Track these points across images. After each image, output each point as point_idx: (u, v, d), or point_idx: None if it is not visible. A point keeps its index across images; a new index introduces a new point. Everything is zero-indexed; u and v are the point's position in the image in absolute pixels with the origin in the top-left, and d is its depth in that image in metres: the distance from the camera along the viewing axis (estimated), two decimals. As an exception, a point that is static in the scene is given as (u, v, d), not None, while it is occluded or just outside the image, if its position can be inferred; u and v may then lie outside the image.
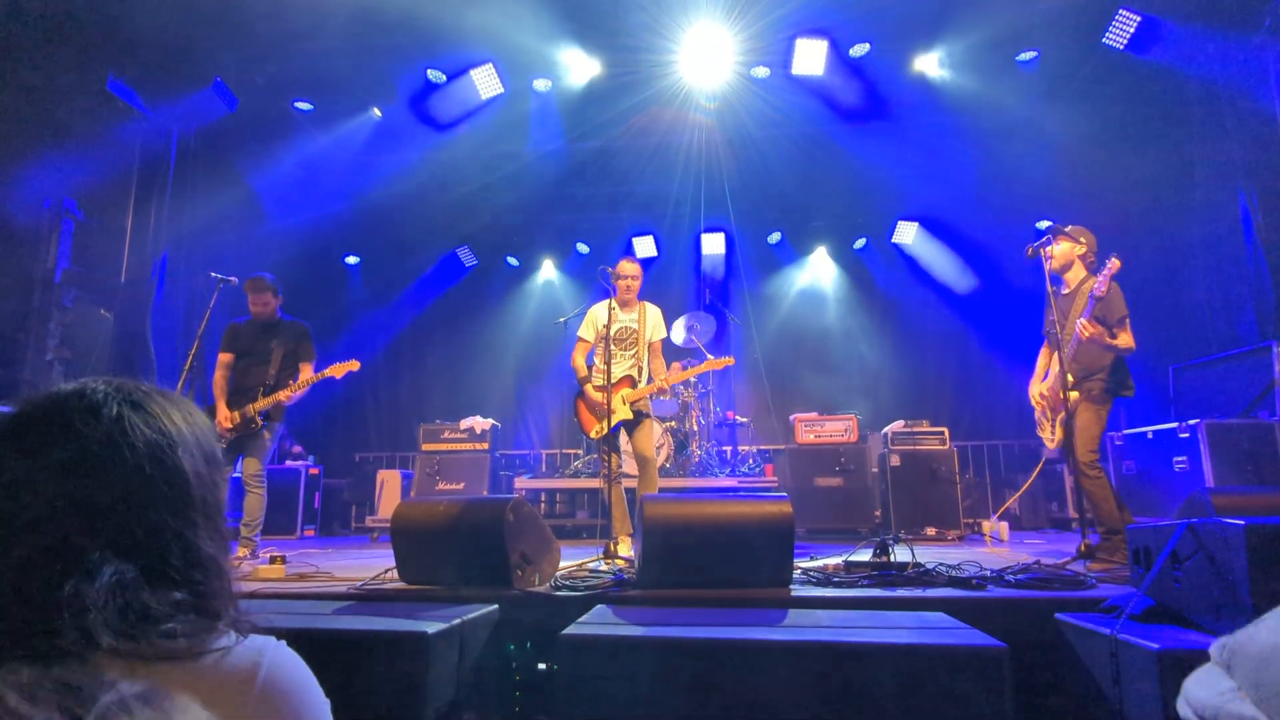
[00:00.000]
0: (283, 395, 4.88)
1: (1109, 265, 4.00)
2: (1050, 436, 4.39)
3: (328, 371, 5.05)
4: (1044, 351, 4.57)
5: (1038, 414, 4.48)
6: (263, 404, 4.87)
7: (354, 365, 5.15)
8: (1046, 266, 4.36)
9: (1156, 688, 2.01)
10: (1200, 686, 0.47)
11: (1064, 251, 4.41)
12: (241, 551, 4.69)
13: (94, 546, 0.71)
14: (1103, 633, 2.29)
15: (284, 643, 0.81)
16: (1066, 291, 4.40)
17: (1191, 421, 5.78)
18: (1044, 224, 8.51)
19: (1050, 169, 8.21)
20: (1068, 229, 4.42)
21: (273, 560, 4.00)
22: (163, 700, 0.40)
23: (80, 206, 7.16)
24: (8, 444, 0.76)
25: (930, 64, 7.71)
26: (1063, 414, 4.16)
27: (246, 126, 8.01)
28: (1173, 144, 7.49)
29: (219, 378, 5.04)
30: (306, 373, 5.03)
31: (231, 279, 5.02)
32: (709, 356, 7.09)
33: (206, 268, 6.70)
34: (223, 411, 4.86)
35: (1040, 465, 6.35)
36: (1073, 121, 7.85)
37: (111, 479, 0.75)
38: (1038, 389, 4.47)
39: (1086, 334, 3.99)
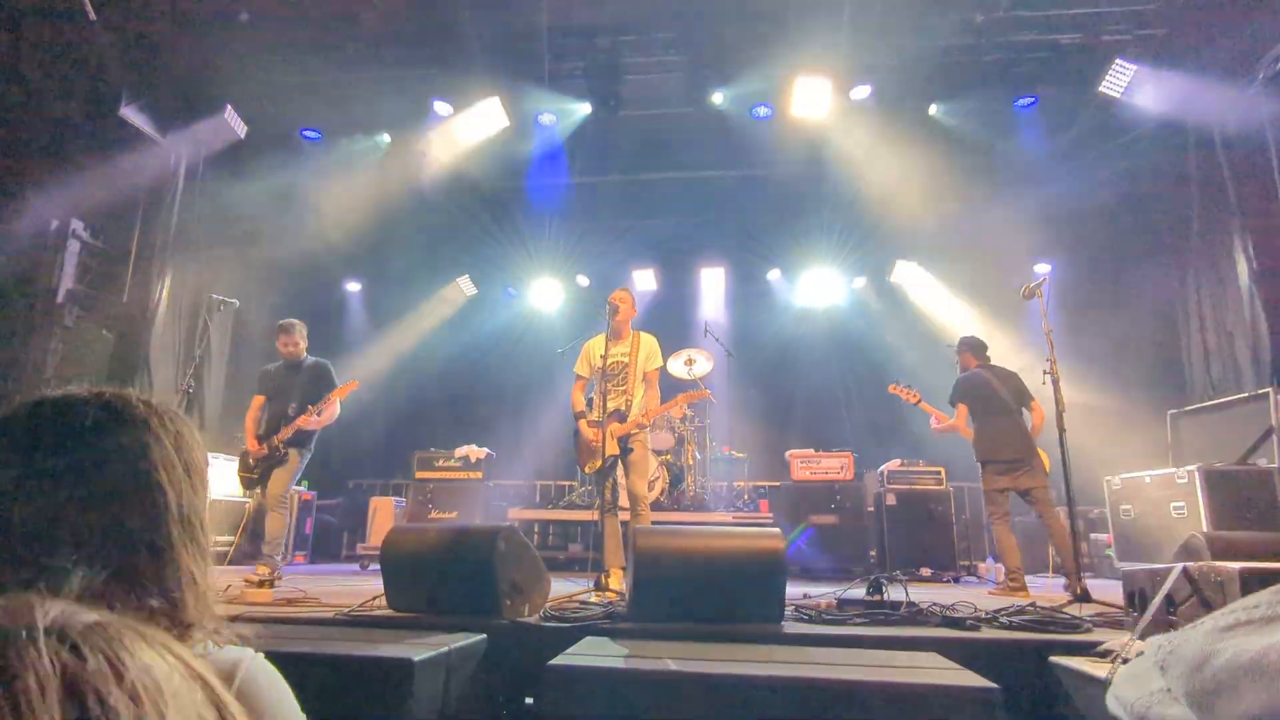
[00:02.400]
0: (300, 421, 5.28)
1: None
2: None
3: (332, 395, 5.44)
4: None
5: None
6: (285, 433, 5.29)
7: (353, 385, 5.59)
8: (1042, 308, 4.39)
9: (1150, 733, 1.97)
10: (1131, 685, 0.47)
11: None
12: (261, 570, 4.92)
13: (63, 553, 0.71)
14: (1098, 677, 2.26)
15: (260, 655, 0.81)
16: None
17: (1189, 467, 5.76)
18: (1043, 268, 8.60)
19: (1048, 211, 8.30)
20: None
21: (260, 584, 3.95)
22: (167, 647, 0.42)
23: (87, 228, 7.23)
24: (6, 451, 0.76)
25: (932, 107, 7.84)
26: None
27: (254, 153, 8.11)
28: (1170, 189, 7.59)
29: (250, 418, 5.51)
30: (334, 396, 5.50)
31: (232, 301, 5.07)
32: (710, 399, 7.12)
33: (208, 290, 6.75)
34: (252, 445, 5.34)
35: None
36: (1070, 165, 7.96)
37: (83, 485, 0.75)
38: None
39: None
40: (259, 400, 5.58)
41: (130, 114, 7.02)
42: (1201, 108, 6.97)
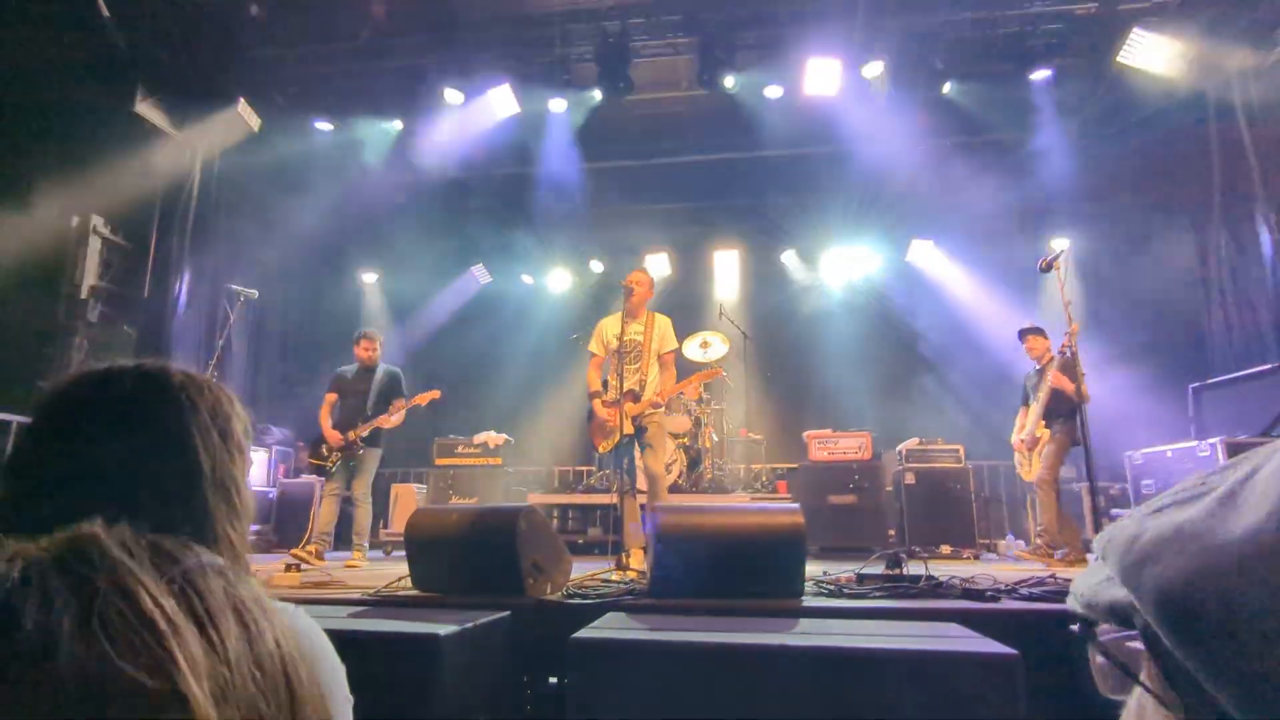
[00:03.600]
0: (380, 421, 5.91)
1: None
2: (1030, 472, 5.86)
3: (414, 400, 6.16)
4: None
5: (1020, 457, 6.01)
6: (363, 429, 5.87)
7: (435, 394, 6.35)
8: (1060, 279, 4.36)
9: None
10: (1083, 577, 0.50)
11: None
12: (356, 555, 5.80)
13: (107, 510, 0.74)
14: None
15: (301, 609, 0.84)
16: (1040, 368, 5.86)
17: (1211, 440, 5.71)
18: (1061, 241, 8.50)
19: (1066, 185, 8.20)
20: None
21: (288, 568, 4.03)
22: (237, 575, 0.44)
23: (107, 224, 7.33)
24: (37, 416, 0.80)
25: (945, 85, 7.75)
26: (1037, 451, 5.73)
27: (268, 145, 8.16)
28: (1191, 159, 7.47)
29: (324, 412, 6.08)
30: (399, 404, 6.09)
31: (252, 292, 5.13)
32: (723, 376, 7.10)
33: (227, 282, 6.84)
34: (335, 436, 5.90)
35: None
36: (1088, 137, 7.85)
37: (123, 448, 0.79)
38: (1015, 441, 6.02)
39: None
40: (331, 398, 6.13)
41: (145, 110, 7.08)
42: (1222, 76, 6.85)
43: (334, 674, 0.83)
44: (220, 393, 0.92)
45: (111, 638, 0.32)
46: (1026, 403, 5.96)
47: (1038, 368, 5.89)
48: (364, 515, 5.96)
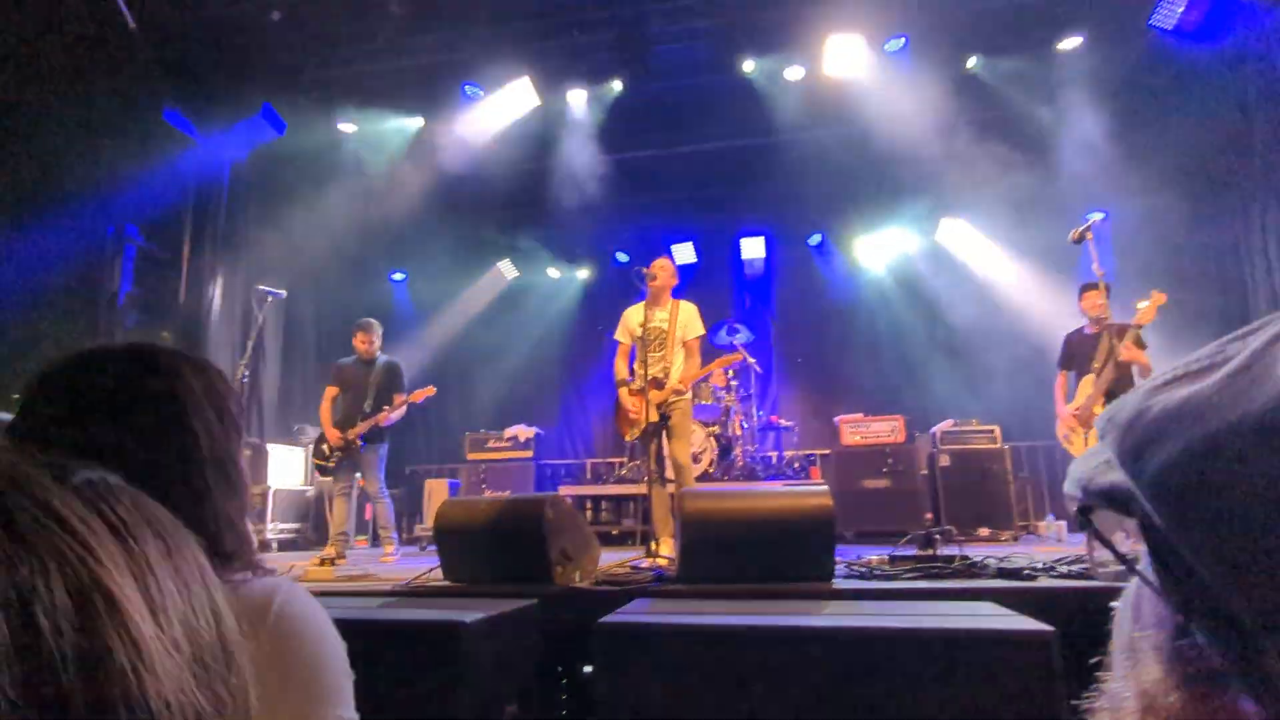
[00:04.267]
0: (380, 419, 5.66)
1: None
2: (1083, 449, 4.94)
3: (410, 397, 5.83)
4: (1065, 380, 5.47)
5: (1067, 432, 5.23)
6: (361, 428, 5.65)
7: (430, 391, 5.99)
8: (1092, 251, 4.24)
9: (1220, 673, 1.90)
10: (1080, 461, 0.45)
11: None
12: (387, 548, 5.75)
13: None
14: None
15: (298, 584, 0.83)
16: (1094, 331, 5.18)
17: (1259, 413, 5.51)
18: (1096, 215, 8.26)
19: (1099, 156, 7.96)
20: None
21: (321, 563, 4.08)
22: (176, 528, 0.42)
23: (140, 232, 7.49)
24: (47, 385, 0.80)
25: (971, 56, 7.57)
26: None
27: (294, 150, 8.27)
28: (1230, 124, 7.20)
29: (324, 408, 5.93)
30: (398, 400, 5.83)
31: (280, 292, 5.21)
32: (747, 359, 7.05)
33: (258, 284, 6.95)
34: (334, 435, 5.72)
35: None
36: (1121, 105, 7.62)
37: (120, 425, 0.78)
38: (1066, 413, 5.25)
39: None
40: (332, 392, 5.93)
41: (172, 117, 7.22)
42: (1262, 34, 6.58)
43: (330, 646, 0.82)
44: (215, 372, 0.91)
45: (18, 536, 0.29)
46: (1068, 367, 5.44)
47: (1089, 331, 5.31)
48: (383, 510, 5.91)
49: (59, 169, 6.58)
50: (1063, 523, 6.54)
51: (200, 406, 0.86)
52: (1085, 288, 5.29)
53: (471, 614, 2.39)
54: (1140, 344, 4.64)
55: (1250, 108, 6.96)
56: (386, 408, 5.67)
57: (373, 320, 6.00)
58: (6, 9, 5.83)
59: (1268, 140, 6.81)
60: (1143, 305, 4.46)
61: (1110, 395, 4.91)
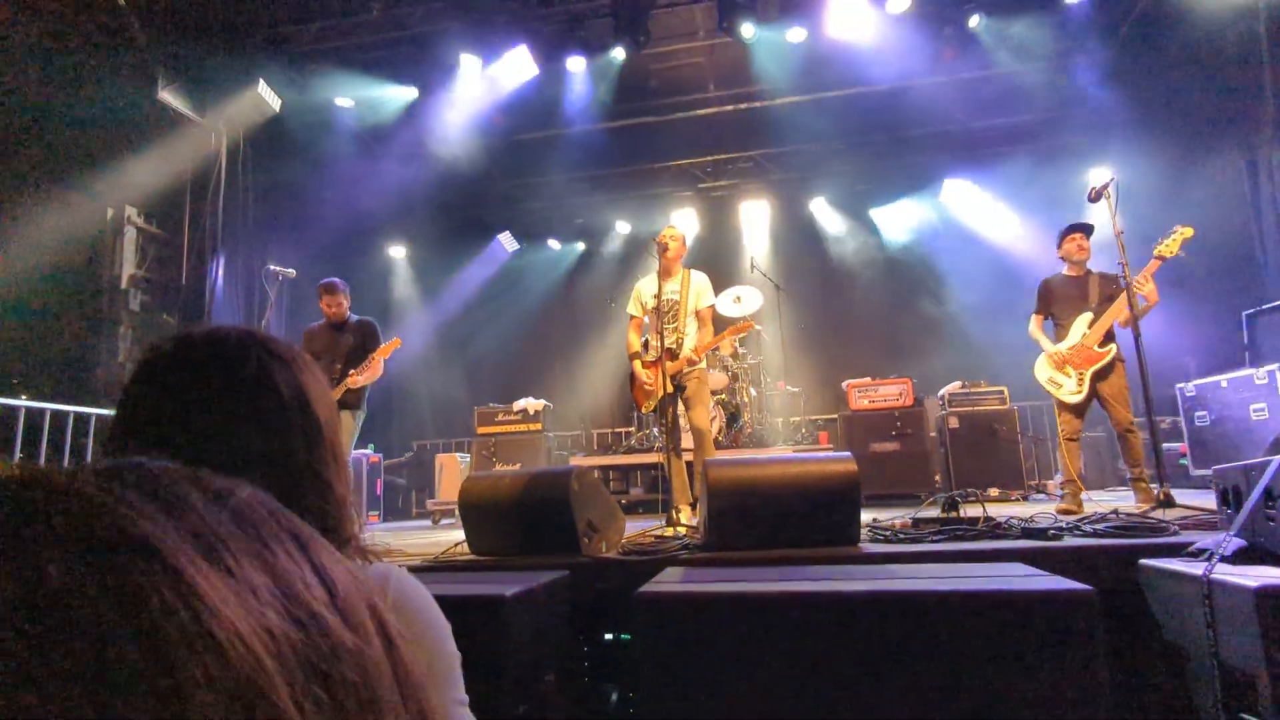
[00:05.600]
0: (349, 381, 5.09)
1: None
2: (1077, 390, 4.76)
3: (376, 355, 5.23)
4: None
5: (1056, 374, 4.91)
6: (334, 394, 5.02)
7: (396, 343, 5.36)
8: (1111, 210, 4.22)
9: (1256, 627, 1.94)
10: None
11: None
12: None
13: (243, 469, 0.74)
14: (1194, 575, 2.22)
15: (405, 569, 0.84)
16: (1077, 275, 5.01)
17: (1269, 367, 5.54)
18: (1101, 172, 8.20)
19: (1104, 112, 7.90)
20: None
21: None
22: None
23: (141, 213, 7.41)
24: (156, 380, 0.78)
25: (974, 18, 7.45)
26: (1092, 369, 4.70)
27: (291, 126, 8.16)
28: (1239, 74, 7.11)
29: None
30: (379, 355, 5.27)
31: (290, 271, 5.16)
32: (755, 327, 7.03)
33: (263, 266, 6.88)
34: None
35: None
36: (1126, 60, 7.53)
37: (258, 420, 0.77)
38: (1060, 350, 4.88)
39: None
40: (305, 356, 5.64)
41: (168, 97, 7.11)
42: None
43: (443, 630, 0.83)
44: (317, 367, 0.91)
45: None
46: (1046, 312, 5.12)
47: (1071, 274, 5.08)
48: None
49: (57, 154, 6.49)
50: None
51: (320, 394, 0.85)
52: (1067, 230, 5.11)
53: (510, 587, 2.42)
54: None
55: (1257, 56, 6.86)
56: (353, 371, 5.18)
57: (336, 280, 5.43)
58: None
59: (1276, 89, 6.74)
60: (1169, 240, 4.33)
61: (1109, 336, 4.76)
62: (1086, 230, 5.03)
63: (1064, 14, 7.42)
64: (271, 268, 5.14)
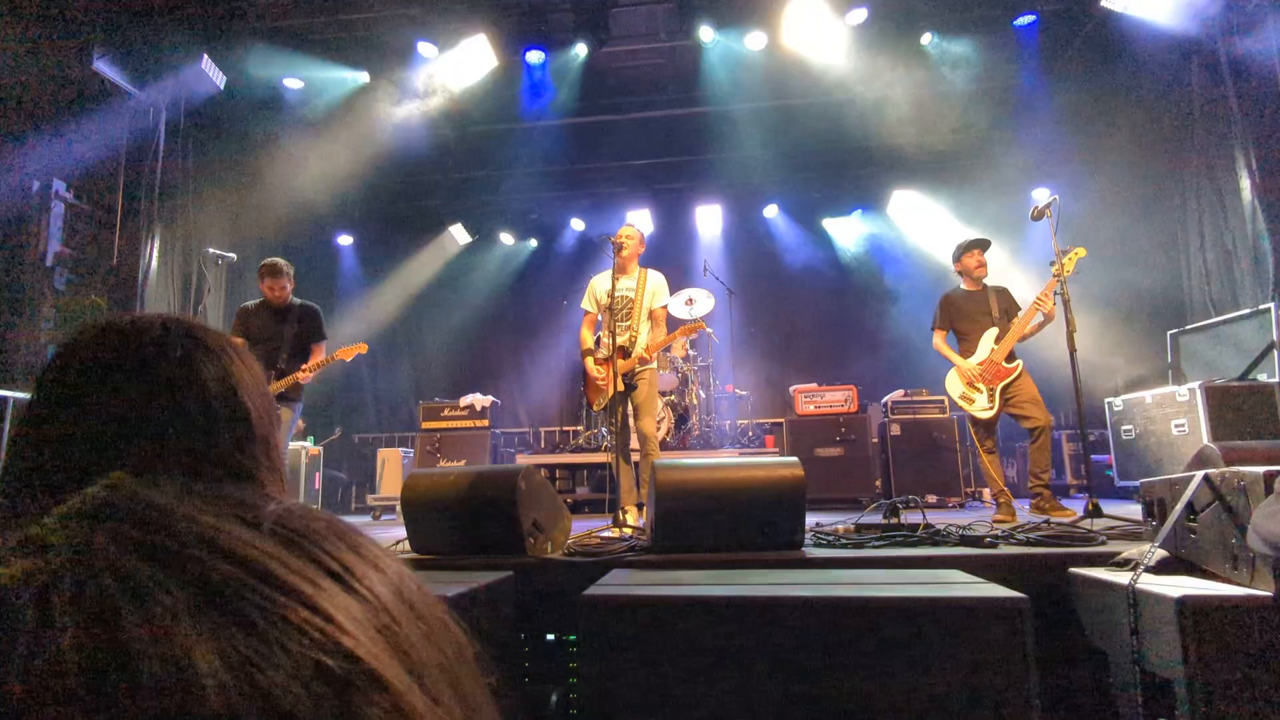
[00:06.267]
0: (300, 376, 4.91)
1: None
2: (989, 405, 4.89)
3: (337, 354, 5.08)
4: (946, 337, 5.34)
5: (968, 390, 5.04)
6: (277, 387, 4.90)
7: (362, 348, 5.23)
8: (1052, 229, 4.37)
9: (1176, 635, 2.02)
10: (1270, 520, 0.47)
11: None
12: None
13: (164, 471, 0.69)
14: (1120, 584, 2.31)
15: None
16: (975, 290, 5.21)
17: (1190, 385, 5.81)
18: (1042, 192, 8.51)
19: (1047, 134, 8.19)
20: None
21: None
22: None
23: (70, 188, 7.06)
24: (72, 370, 0.73)
25: (925, 36, 7.64)
26: (1001, 384, 4.85)
27: (235, 105, 7.88)
28: (1172, 105, 7.46)
29: None
30: (318, 354, 5.07)
31: (230, 255, 4.97)
32: (705, 329, 7.09)
33: (201, 248, 6.62)
34: None
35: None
36: (1070, 85, 7.82)
37: (182, 416, 0.73)
38: (972, 367, 5.00)
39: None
40: (238, 343, 5.32)
41: (103, 67, 6.77)
42: (1205, 19, 6.80)
43: None
44: (250, 356, 0.87)
45: (241, 624, 0.23)
46: (947, 327, 5.24)
47: (969, 289, 5.23)
48: None
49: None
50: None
51: (249, 387, 0.81)
52: (967, 246, 5.22)
53: (452, 588, 2.37)
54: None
55: (1191, 88, 7.20)
56: (304, 365, 4.93)
57: (280, 261, 5.12)
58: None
59: (1206, 121, 7.08)
60: (1065, 260, 4.42)
61: (1014, 350, 4.87)
62: (984, 246, 5.23)
63: (1012, 36, 7.67)
64: (211, 250, 4.94)
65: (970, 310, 5.14)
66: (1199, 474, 2.36)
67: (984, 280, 5.21)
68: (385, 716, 0.24)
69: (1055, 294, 4.39)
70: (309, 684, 0.23)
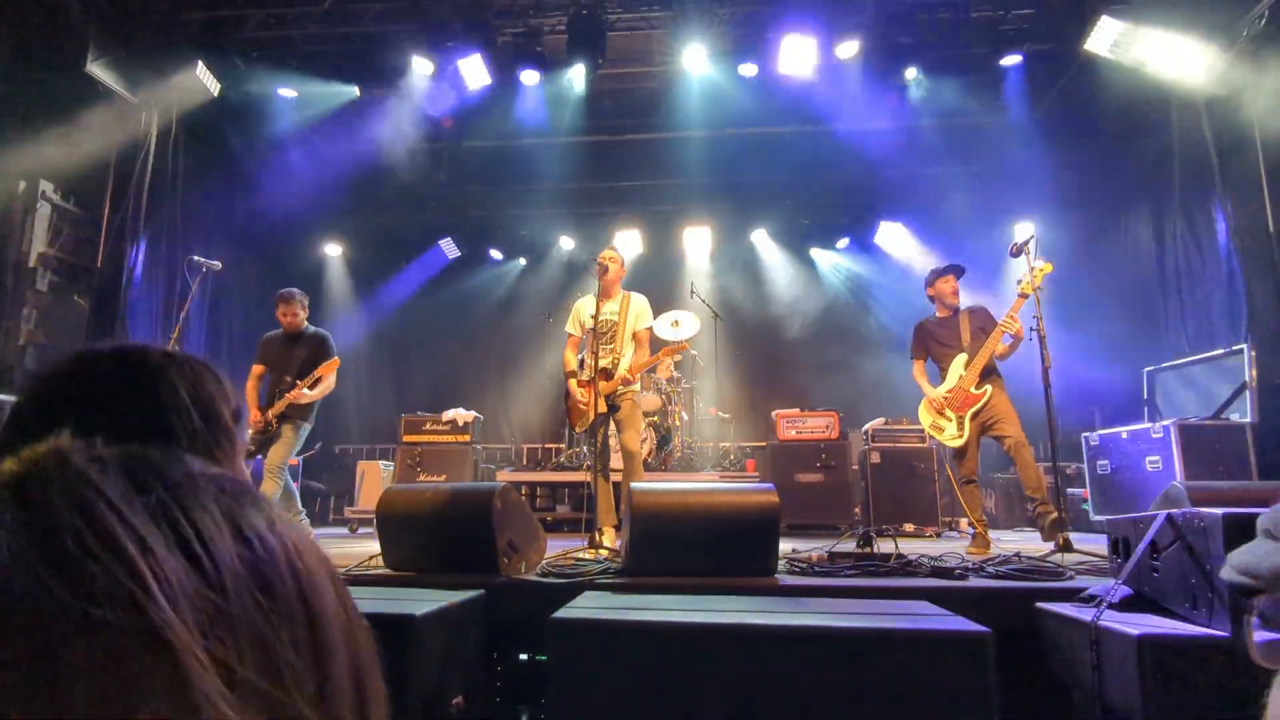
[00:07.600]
0: (291, 396, 5.16)
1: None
2: (958, 434, 4.90)
3: (316, 373, 5.30)
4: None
5: (937, 419, 5.06)
6: (276, 408, 5.20)
7: (335, 362, 5.46)
8: (1030, 264, 4.44)
9: (1136, 673, 2.05)
10: (1245, 552, 0.50)
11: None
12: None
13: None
14: (1084, 620, 2.34)
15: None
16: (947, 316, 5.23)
17: (1164, 422, 5.89)
18: (1024, 228, 8.64)
19: (1030, 172, 8.33)
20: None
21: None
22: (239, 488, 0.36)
23: (57, 189, 7.03)
24: (47, 397, 0.76)
25: (910, 70, 7.78)
26: (970, 411, 4.84)
27: (229, 112, 7.89)
28: (1152, 148, 7.62)
29: (249, 387, 5.41)
30: (320, 373, 5.34)
31: (215, 264, 4.98)
32: (690, 351, 7.13)
33: (187, 254, 6.59)
34: (254, 416, 5.24)
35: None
36: (1053, 126, 7.98)
37: (152, 444, 0.75)
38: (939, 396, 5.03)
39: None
40: (258, 370, 5.47)
41: (97, 70, 6.77)
42: (1185, 65, 6.96)
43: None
44: (204, 370, 0.88)
45: (62, 565, 0.27)
46: (923, 356, 5.29)
47: (942, 315, 5.28)
48: (269, 489, 5.07)
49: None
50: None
51: (181, 407, 0.83)
52: (941, 272, 5.24)
53: (422, 606, 2.37)
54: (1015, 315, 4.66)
55: (1170, 132, 7.36)
56: (300, 383, 5.22)
57: (295, 290, 5.50)
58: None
59: (1185, 165, 7.23)
60: (1033, 275, 4.43)
61: (985, 374, 4.86)
62: (959, 272, 5.26)
63: (998, 74, 7.81)
64: (196, 258, 4.94)
65: (943, 336, 5.18)
66: (1162, 514, 2.40)
67: (956, 306, 5.23)
68: (164, 683, 0.26)
69: (1030, 330, 4.43)
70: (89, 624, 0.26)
